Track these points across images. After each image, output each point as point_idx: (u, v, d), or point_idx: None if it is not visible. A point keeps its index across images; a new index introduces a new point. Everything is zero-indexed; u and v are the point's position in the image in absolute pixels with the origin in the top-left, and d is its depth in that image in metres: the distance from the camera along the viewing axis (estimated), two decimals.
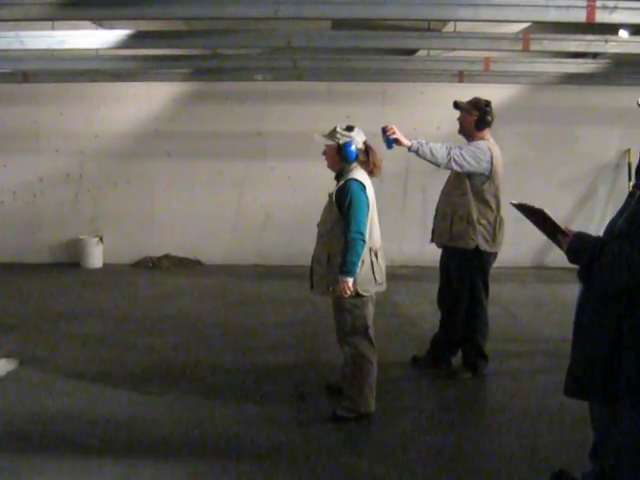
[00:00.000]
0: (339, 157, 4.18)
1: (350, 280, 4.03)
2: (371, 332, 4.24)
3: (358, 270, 4.06)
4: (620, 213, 2.82)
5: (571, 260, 2.82)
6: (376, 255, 4.19)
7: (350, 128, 4.22)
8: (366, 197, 4.11)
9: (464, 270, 4.98)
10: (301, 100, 9.41)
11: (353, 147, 4.14)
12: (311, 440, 3.99)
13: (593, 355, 2.76)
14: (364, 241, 4.04)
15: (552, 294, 8.06)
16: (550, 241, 2.97)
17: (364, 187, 4.11)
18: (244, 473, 3.63)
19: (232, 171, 9.42)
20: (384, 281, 4.29)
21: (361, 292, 4.11)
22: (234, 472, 3.63)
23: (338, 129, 4.21)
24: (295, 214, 8.80)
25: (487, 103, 4.99)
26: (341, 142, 4.15)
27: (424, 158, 4.71)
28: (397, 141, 4.63)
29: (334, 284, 4.08)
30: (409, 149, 4.68)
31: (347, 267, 4.01)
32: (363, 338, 4.21)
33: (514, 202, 2.98)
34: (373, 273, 4.15)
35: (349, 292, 4.04)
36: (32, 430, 4.09)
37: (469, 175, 4.86)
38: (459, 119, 5.06)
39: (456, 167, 4.78)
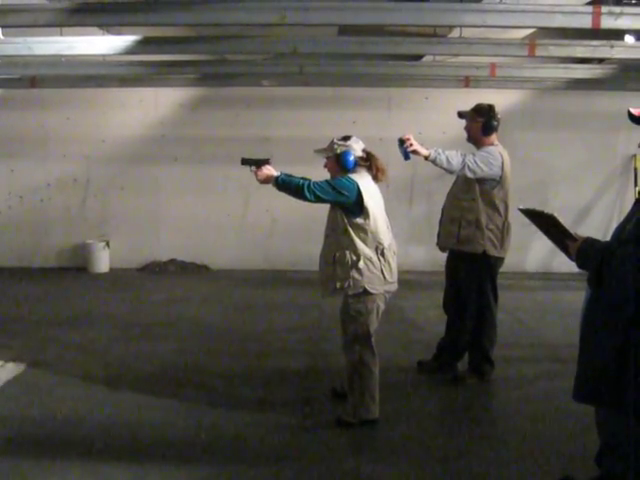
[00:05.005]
0: (339, 167, 4.23)
1: (268, 175, 4.14)
2: (373, 341, 4.25)
3: (364, 268, 4.08)
4: (627, 219, 2.82)
5: (580, 266, 2.82)
6: (382, 253, 4.18)
7: (346, 138, 4.28)
8: (353, 191, 4.09)
9: (472, 275, 4.98)
10: (307, 105, 9.43)
11: (352, 156, 4.19)
12: (317, 445, 4.00)
13: (602, 362, 2.76)
14: (309, 196, 4.05)
15: (558, 300, 8.04)
16: (556, 247, 2.97)
17: (354, 183, 4.11)
18: (249, 477, 3.63)
19: (238, 176, 9.39)
20: (395, 280, 4.30)
21: (369, 289, 4.13)
22: (240, 477, 3.64)
23: (335, 140, 4.26)
24: (301, 219, 8.77)
25: (490, 107, 4.99)
26: (338, 152, 4.21)
27: (440, 166, 4.72)
28: (415, 152, 4.64)
29: (343, 280, 4.11)
30: (426, 158, 4.69)
31: (283, 178, 4.12)
32: (365, 346, 4.22)
33: (522, 207, 2.98)
34: (382, 271, 4.16)
35: (259, 175, 4.18)
36: (39, 434, 4.11)
37: (479, 180, 4.86)
38: (465, 128, 5.07)
39: (469, 173, 4.78)
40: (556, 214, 2.84)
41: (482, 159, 4.82)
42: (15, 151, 9.66)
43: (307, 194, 4.05)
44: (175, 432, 4.17)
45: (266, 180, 4.19)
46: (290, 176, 4.17)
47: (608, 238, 2.91)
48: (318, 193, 4.06)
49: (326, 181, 4.16)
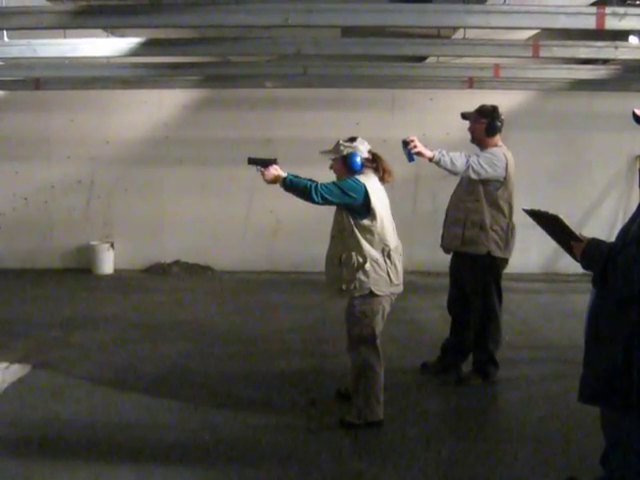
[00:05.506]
0: (346, 169, 4.22)
1: (276, 175, 4.15)
2: (378, 342, 4.25)
3: (370, 269, 4.08)
4: (633, 219, 2.82)
5: (585, 267, 2.82)
6: (389, 255, 4.18)
7: (352, 139, 4.27)
8: (360, 193, 4.10)
9: (477, 276, 4.97)
10: (311, 107, 9.43)
11: (358, 158, 4.18)
12: (321, 446, 3.99)
13: (607, 363, 2.76)
14: (316, 198, 4.04)
15: (562, 300, 8.03)
16: (560, 248, 2.97)
17: (361, 185, 4.12)
18: (253, 479, 3.64)
19: (242, 178, 9.39)
20: (401, 282, 4.30)
21: (375, 291, 4.13)
22: (244, 478, 3.64)
23: (341, 142, 4.26)
24: (305, 221, 8.76)
25: (494, 108, 4.99)
26: (345, 153, 4.20)
27: (444, 168, 4.72)
28: (419, 153, 4.64)
29: (349, 282, 4.11)
30: (430, 160, 4.68)
31: (291, 179, 4.13)
32: (370, 348, 4.22)
33: (526, 208, 2.97)
34: (388, 273, 4.16)
35: (266, 174, 4.19)
36: (44, 436, 4.11)
37: (483, 181, 4.86)
38: (469, 129, 5.07)
39: (474, 175, 4.78)
40: (561, 215, 2.84)
41: (486, 160, 4.82)
42: (19, 153, 9.68)
43: (314, 196, 4.04)
44: (179, 433, 4.17)
45: (274, 180, 4.18)
46: (297, 177, 4.17)
47: (613, 239, 2.90)
48: (325, 195, 4.05)
49: (333, 183, 4.15)
